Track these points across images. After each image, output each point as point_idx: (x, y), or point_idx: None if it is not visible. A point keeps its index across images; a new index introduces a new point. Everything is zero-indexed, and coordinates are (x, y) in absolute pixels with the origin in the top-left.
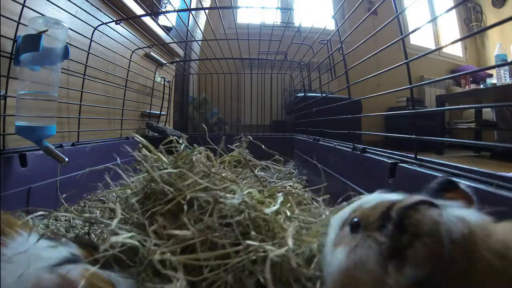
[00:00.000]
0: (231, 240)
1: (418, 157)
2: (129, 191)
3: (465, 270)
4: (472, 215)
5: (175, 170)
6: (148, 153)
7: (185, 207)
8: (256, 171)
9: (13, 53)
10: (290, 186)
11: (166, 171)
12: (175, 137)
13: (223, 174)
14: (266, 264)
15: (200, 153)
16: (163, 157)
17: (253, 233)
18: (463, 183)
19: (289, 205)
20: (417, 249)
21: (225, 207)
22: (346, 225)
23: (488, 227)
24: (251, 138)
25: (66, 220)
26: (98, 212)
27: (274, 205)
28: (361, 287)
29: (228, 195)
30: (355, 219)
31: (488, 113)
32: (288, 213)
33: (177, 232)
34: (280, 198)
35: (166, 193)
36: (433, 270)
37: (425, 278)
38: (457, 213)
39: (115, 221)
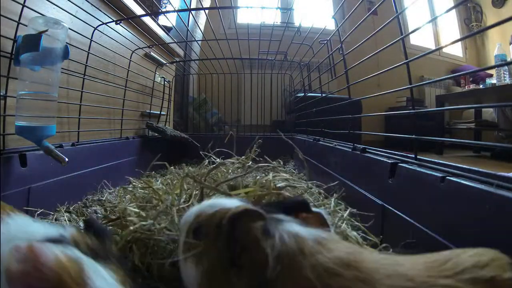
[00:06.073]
0: None
1: (418, 157)
2: None
3: (289, 278)
4: (308, 232)
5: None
6: None
7: None
8: None
9: (13, 53)
10: None
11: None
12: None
13: None
14: None
15: None
16: None
17: None
18: (320, 210)
19: None
20: (245, 260)
21: None
22: (191, 231)
23: (326, 245)
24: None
25: (65, 221)
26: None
27: None
28: None
29: None
30: (197, 225)
31: (487, 113)
32: None
33: None
34: None
35: None
36: (262, 276)
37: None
38: (291, 229)
39: None
